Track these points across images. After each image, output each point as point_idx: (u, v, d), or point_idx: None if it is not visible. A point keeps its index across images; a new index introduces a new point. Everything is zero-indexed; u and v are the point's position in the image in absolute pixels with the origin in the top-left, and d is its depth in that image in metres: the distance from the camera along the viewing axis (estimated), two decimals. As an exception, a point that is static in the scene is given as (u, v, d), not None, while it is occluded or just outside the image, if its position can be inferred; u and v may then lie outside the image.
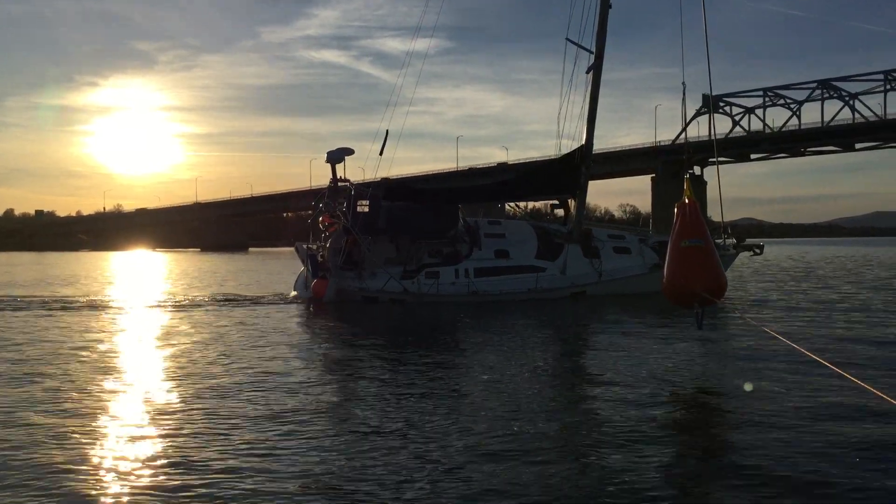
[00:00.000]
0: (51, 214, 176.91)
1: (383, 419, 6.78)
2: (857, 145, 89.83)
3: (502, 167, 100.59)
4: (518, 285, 19.00)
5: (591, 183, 21.15)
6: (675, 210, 9.30)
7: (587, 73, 19.95)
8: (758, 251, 21.29)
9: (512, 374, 8.91)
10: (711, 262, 9.10)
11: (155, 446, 5.97)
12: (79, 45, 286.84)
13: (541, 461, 5.46)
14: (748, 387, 7.75)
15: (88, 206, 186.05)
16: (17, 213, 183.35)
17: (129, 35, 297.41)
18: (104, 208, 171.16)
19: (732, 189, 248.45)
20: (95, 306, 18.74)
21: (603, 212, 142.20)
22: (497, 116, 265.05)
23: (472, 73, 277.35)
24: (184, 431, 6.40)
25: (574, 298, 18.94)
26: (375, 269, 19.03)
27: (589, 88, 20.01)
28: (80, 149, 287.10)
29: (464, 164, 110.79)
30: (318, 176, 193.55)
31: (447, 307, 17.75)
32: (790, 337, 9.46)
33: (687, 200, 9.26)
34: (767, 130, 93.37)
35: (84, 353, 10.74)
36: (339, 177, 20.04)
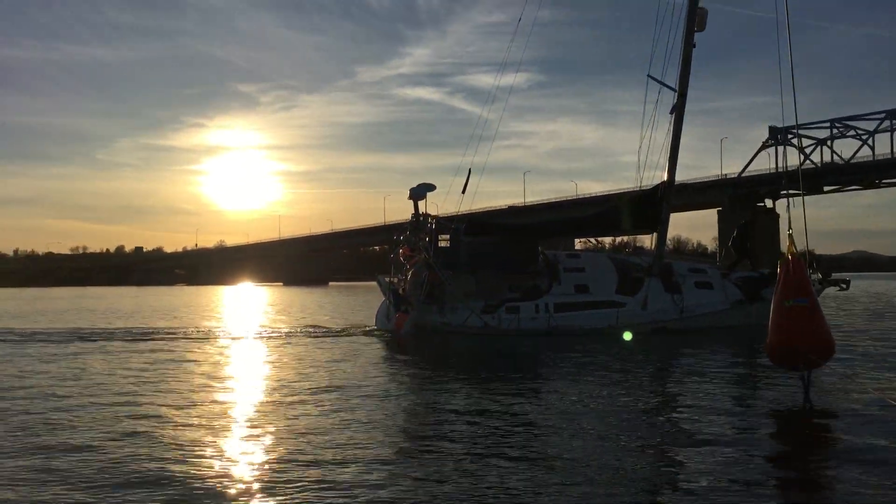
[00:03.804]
0: (159, 251, 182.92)
1: (462, 448, 6.36)
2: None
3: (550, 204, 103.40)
4: (598, 321, 18.21)
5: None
6: (778, 267, 8.70)
7: (670, 113, 19.11)
8: (844, 286, 20.00)
9: (594, 406, 8.25)
10: (817, 321, 8.39)
11: (235, 473, 5.76)
12: (185, 88, 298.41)
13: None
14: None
15: (199, 243, 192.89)
16: (127, 249, 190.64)
17: (232, 77, 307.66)
18: (196, 244, 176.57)
19: (844, 221, 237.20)
20: (198, 337, 18.83)
21: (695, 244, 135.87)
22: (591, 148, 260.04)
23: (565, 105, 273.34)
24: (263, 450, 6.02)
25: (654, 333, 18.04)
26: (456, 303, 18.58)
27: (670, 127, 19.18)
28: (189, 187, 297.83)
29: (558, 198, 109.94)
30: (392, 210, 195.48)
31: (527, 339, 17.26)
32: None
33: (790, 256, 8.59)
34: (837, 162, 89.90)
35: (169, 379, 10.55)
36: (420, 212, 19.80)
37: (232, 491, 5.54)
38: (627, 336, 6.21)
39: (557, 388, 10.48)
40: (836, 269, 19.94)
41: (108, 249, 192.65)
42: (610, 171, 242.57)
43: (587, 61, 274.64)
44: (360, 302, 40.31)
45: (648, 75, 18.99)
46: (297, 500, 5.29)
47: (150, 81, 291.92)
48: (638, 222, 20.00)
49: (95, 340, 18.00)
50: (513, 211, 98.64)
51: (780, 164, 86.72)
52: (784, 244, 9.07)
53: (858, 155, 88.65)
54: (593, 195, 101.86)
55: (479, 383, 10.96)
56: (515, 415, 8.34)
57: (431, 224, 19.67)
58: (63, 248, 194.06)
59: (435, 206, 23.04)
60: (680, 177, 20.13)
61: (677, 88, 18.98)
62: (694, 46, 18.94)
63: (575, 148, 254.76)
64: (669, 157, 19.30)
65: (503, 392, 9.89)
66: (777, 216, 72.34)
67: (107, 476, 5.85)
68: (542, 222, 26.61)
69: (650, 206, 19.45)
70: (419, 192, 19.76)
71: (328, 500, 5.27)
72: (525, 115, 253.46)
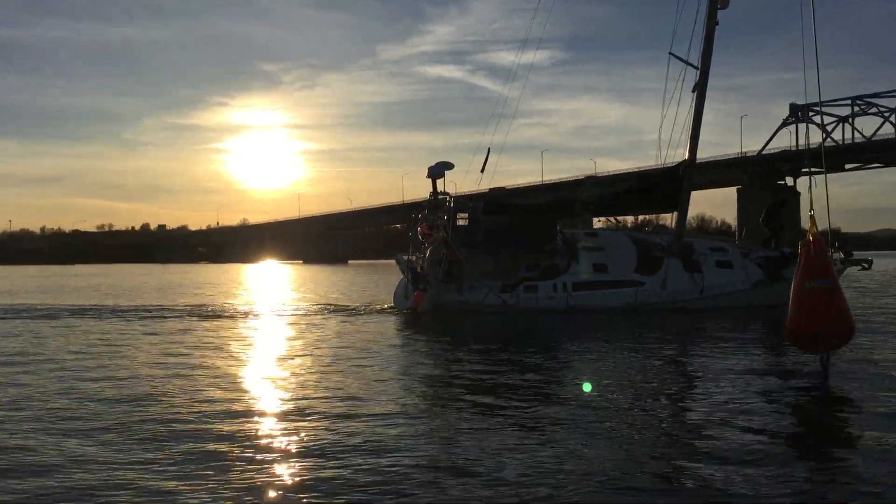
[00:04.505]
0: (183, 229, 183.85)
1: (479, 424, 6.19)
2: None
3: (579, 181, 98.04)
4: (617, 300, 18.01)
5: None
6: (799, 248, 8.50)
7: (692, 91, 18.72)
8: (866, 266, 19.65)
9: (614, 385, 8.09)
10: (839, 304, 8.20)
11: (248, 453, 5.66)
12: (208, 67, 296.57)
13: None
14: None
15: (223, 221, 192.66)
16: (151, 227, 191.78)
17: (254, 56, 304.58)
18: (218, 223, 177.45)
19: (871, 198, 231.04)
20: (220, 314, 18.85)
21: (719, 223, 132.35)
22: (614, 126, 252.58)
23: (588, 83, 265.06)
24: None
25: (674, 313, 17.82)
26: (474, 282, 18.47)
27: (692, 106, 18.78)
28: (212, 166, 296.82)
29: (573, 177, 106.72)
30: (413, 188, 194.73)
31: (543, 317, 17.24)
32: None
33: (812, 238, 8.38)
34: (859, 139, 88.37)
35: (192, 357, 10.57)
36: (439, 191, 19.65)
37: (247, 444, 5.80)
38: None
39: (572, 365, 10.40)
40: (862, 248, 19.65)
41: (133, 227, 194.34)
42: (633, 149, 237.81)
43: (610, 38, 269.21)
44: (379, 280, 40.33)
45: (670, 53, 18.63)
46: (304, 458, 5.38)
47: (174, 60, 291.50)
48: (659, 201, 19.70)
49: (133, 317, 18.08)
50: (591, 181, 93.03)
51: (800, 142, 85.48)
52: (805, 223, 8.86)
53: (880, 132, 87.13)
54: (608, 174, 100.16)
55: (494, 357, 10.98)
56: (528, 386, 8.33)
57: (450, 203, 19.52)
58: (89, 226, 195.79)
59: (453, 184, 22.89)
60: (700, 154, 19.70)
61: (699, 66, 18.59)
62: (717, 24, 18.52)
63: (597, 126, 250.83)
64: (691, 136, 18.94)
65: (517, 365, 9.93)
66: (798, 194, 71.22)
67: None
68: (560, 201, 26.21)
69: (671, 185, 19.13)
70: (437, 171, 19.58)
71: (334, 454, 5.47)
72: (547, 93, 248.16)
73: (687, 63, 18.57)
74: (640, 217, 27.02)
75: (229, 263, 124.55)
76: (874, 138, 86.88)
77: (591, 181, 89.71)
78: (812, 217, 8.84)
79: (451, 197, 19.75)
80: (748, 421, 6.66)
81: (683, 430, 6.64)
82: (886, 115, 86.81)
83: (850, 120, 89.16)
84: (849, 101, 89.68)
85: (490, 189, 20.10)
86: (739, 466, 5.27)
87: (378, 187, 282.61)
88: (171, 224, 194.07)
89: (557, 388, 8.62)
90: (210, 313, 19.25)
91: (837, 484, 5.10)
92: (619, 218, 22.44)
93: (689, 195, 19.32)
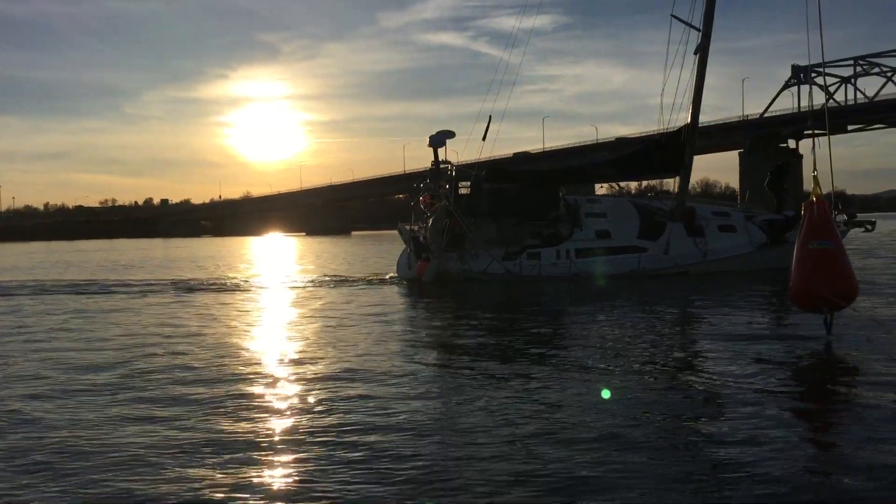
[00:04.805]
0: (186, 203, 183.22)
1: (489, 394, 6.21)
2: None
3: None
4: (620, 266, 18.01)
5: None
6: (802, 210, 8.54)
7: (694, 54, 18.51)
8: (869, 227, 19.57)
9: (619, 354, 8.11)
10: (841, 265, 8.24)
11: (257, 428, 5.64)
12: (208, 39, 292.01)
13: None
14: None
15: (225, 194, 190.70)
16: (155, 202, 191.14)
17: (254, 27, 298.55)
18: (220, 196, 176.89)
19: (877, 160, 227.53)
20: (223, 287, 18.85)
21: (723, 187, 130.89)
22: (619, 91, 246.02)
23: (592, 47, 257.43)
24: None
25: (677, 277, 17.83)
26: (477, 250, 18.47)
27: (695, 68, 18.59)
28: (214, 139, 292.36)
29: (581, 142, 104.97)
30: (416, 158, 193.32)
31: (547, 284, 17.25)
32: None
33: (815, 199, 8.37)
34: (861, 100, 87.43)
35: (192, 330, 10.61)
36: (440, 159, 19.56)
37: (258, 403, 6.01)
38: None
39: (573, 331, 10.41)
40: (868, 210, 19.57)
41: (136, 202, 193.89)
42: (638, 113, 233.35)
43: (613, 1, 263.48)
44: (382, 250, 40.34)
45: (672, 15, 18.39)
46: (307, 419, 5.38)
47: (173, 32, 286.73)
48: (661, 166, 19.57)
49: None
50: (621, 143, 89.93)
51: (803, 104, 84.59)
52: (809, 185, 8.84)
53: (883, 92, 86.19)
54: (607, 140, 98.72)
55: (494, 324, 11.03)
56: (527, 350, 8.31)
57: (451, 171, 19.45)
58: (92, 201, 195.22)
59: (455, 153, 22.71)
60: (702, 118, 19.51)
61: (701, 28, 18.37)
62: (719, -17, 18.25)
63: (602, 91, 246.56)
64: (693, 100, 18.77)
65: (517, 331, 10.03)
66: (801, 157, 70.66)
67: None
68: (562, 168, 26.03)
69: (673, 149, 19.00)
70: (438, 140, 19.47)
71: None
72: (550, 59, 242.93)
73: (689, 25, 18.36)
74: (644, 183, 26.85)
75: (232, 237, 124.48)
76: (876, 98, 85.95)
77: (620, 141, 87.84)
78: (815, 178, 8.79)
79: (452, 166, 19.68)
80: (750, 382, 6.68)
81: (683, 391, 6.64)
82: (889, 74, 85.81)
83: (853, 80, 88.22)
84: (851, 62, 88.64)
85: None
86: (738, 428, 5.30)
87: (380, 157, 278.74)
88: (175, 198, 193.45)
89: (557, 352, 8.67)
90: (206, 286, 19.16)
91: (834, 445, 5.14)
92: (622, 184, 22.29)
93: (691, 159, 19.21)
